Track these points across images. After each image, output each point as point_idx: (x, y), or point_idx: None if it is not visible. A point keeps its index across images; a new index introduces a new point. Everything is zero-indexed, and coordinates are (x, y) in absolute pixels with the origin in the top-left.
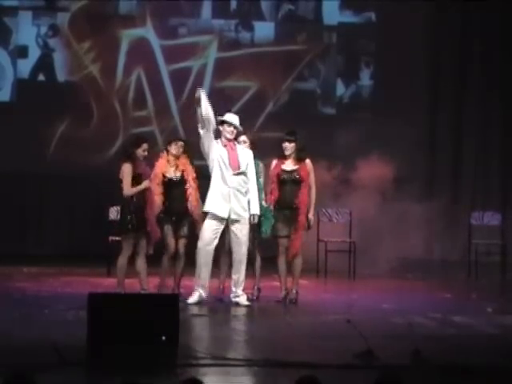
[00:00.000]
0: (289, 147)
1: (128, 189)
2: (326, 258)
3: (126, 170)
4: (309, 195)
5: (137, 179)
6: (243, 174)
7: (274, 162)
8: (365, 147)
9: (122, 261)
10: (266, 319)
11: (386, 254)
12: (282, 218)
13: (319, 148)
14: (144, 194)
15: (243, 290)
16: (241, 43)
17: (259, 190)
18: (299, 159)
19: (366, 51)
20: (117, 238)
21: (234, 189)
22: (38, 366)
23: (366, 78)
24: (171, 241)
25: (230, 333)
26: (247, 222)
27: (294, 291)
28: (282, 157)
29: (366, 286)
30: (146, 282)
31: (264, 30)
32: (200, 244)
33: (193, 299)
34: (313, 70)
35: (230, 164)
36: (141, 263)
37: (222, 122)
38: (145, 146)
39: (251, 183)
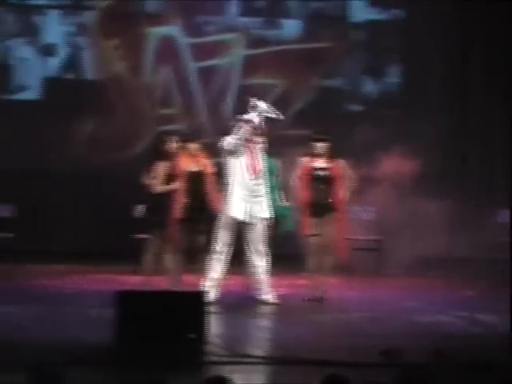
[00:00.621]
0: (322, 146)
1: (151, 183)
2: (351, 255)
3: (157, 168)
4: (344, 194)
5: (170, 178)
6: (261, 177)
7: (303, 160)
8: (391, 144)
9: (148, 258)
10: (291, 317)
11: (409, 252)
12: (314, 216)
13: (345, 145)
14: (171, 194)
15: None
16: (268, 41)
17: (275, 188)
18: (332, 157)
19: (392, 48)
20: (143, 236)
21: (251, 193)
22: (65, 364)
23: (392, 75)
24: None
25: (254, 330)
26: (265, 221)
27: (322, 289)
28: (312, 155)
29: (390, 284)
30: (173, 280)
31: (291, 27)
32: (215, 247)
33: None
34: (340, 67)
35: (248, 169)
36: (167, 260)
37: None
38: (173, 139)
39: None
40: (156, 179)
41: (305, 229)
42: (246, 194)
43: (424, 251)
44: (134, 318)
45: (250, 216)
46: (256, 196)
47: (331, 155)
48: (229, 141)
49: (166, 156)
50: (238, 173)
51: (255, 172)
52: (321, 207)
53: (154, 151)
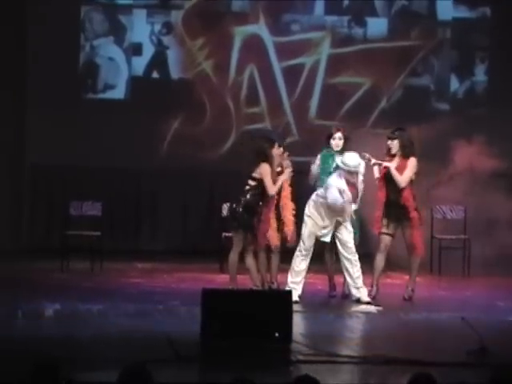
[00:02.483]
0: (392, 145)
1: (271, 186)
2: (439, 255)
3: (266, 170)
4: (411, 192)
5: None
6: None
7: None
8: (479, 143)
9: (233, 257)
10: (380, 316)
11: (498, 251)
12: (389, 215)
13: (433, 144)
14: (264, 195)
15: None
16: (354, 39)
17: None
18: (403, 156)
19: (480, 46)
20: (229, 234)
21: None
22: (154, 361)
23: (480, 74)
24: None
25: (342, 330)
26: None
27: (410, 289)
28: (390, 155)
29: (481, 283)
30: (256, 279)
31: (377, 25)
32: (301, 245)
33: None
34: (426, 65)
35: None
36: (249, 260)
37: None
38: (277, 144)
39: None
40: (267, 181)
41: (377, 226)
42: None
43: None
44: (220, 317)
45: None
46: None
47: (405, 154)
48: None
49: (271, 159)
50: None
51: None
52: (394, 207)
53: (260, 154)
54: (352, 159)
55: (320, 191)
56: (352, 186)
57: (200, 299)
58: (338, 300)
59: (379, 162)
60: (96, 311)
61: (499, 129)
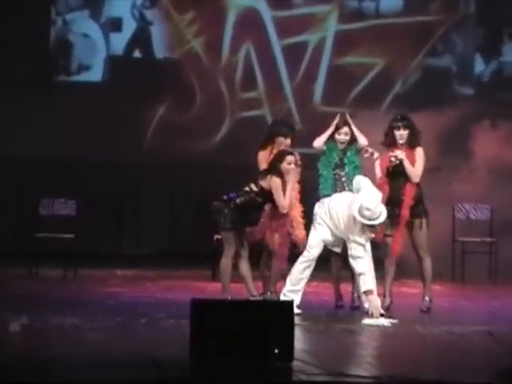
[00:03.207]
0: (404, 135)
1: (283, 204)
2: (462, 260)
3: (277, 184)
4: (416, 188)
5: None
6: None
7: (383, 152)
8: (507, 132)
9: (224, 262)
10: (394, 330)
11: None
12: (389, 215)
13: (455, 133)
14: (265, 202)
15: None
16: (364, 14)
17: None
18: (411, 147)
19: (509, 22)
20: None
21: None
22: (137, 383)
23: (509, 54)
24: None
25: (351, 345)
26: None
27: (428, 298)
28: (396, 146)
29: (509, 292)
30: (253, 287)
31: None
32: (305, 255)
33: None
34: (448, 44)
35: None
36: (244, 266)
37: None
38: (289, 158)
39: None
40: (278, 197)
41: (382, 229)
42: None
43: None
44: (212, 331)
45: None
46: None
47: (412, 144)
48: None
49: (281, 172)
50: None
51: None
52: (397, 205)
53: (270, 168)
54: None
55: (337, 196)
56: None
57: (189, 311)
58: (346, 311)
59: (393, 154)
60: (69, 325)
61: None
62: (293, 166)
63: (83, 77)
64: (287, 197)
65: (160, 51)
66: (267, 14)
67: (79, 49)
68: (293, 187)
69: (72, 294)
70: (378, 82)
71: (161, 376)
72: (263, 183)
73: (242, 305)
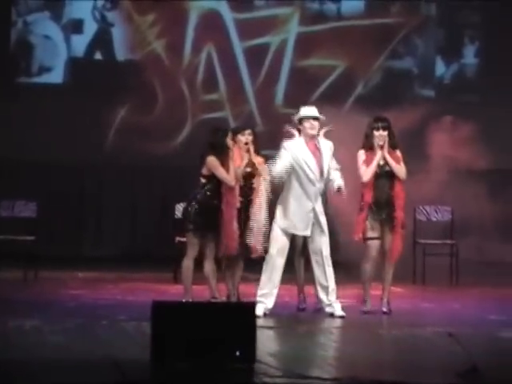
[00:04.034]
0: (383, 136)
1: (227, 177)
2: (423, 262)
3: (213, 162)
4: (403, 189)
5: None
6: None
7: (362, 155)
8: (468, 135)
9: (187, 263)
10: (355, 332)
11: (492, 258)
12: (373, 217)
13: (416, 135)
14: (219, 192)
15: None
16: (326, 16)
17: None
18: (392, 148)
19: (470, 24)
20: (183, 239)
21: (316, 205)
22: None
23: (470, 56)
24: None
25: (312, 347)
26: (325, 226)
27: (386, 300)
28: (371, 147)
29: (470, 294)
30: (216, 289)
31: (352, 0)
32: (270, 253)
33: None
34: (409, 46)
35: (313, 171)
36: (209, 267)
37: (300, 120)
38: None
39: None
40: (219, 173)
41: (364, 232)
42: (312, 206)
43: (508, 257)
44: (173, 334)
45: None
46: (320, 207)
47: (392, 145)
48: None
49: (221, 151)
50: (298, 178)
51: (320, 174)
52: (386, 208)
53: (209, 146)
54: None
55: None
56: None
57: (150, 313)
58: (309, 314)
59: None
60: (29, 328)
61: (491, 118)
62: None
63: (44, 78)
64: (231, 170)
65: (121, 53)
66: (229, 16)
67: (40, 50)
68: (258, 192)
69: (33, 296)
70: (339, 83)
71: (122, 378)
72: (204, 171)
73: (204, 307)
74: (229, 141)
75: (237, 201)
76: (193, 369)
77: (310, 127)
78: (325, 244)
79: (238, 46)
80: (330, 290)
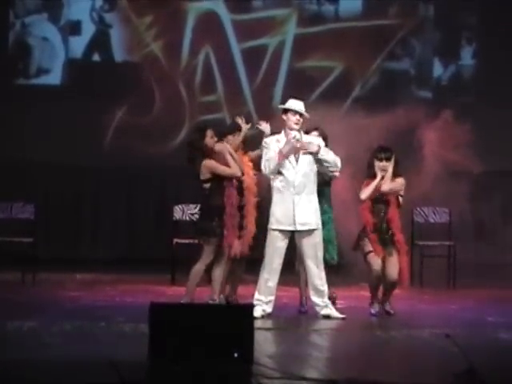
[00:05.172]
0: (386, 167)
1: (231, 172)
2: (421, 263)
3: (211, 164)
4: (398, 213)
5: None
6: (309, 171)
7: (366, 183)
8: (466, 136)
9: (198, 268)
10: (353, 334)
11: (490, 260)
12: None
13: (414, 137)
14: (223, 194)
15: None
16: (324, 17)
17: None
18: (394, 176)
19: (467, 25)
20: (182, 241)
21: (298, 194)
22: None
23: (467, 57)
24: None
25: (310, 349)
26: (319, 226)
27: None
28: (373, 177)
29: (468, 295)
30: (217, 293)
31: (350, 2)
32: (266, 256)
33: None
34: (406, 47)
35: (290, 161)
36: (218, 272)
37: (285, 111)
38: (209, 132)
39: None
40: (222, 169)
41: (363, 247)
42: (293, 196)
43: (508, 259)
44: (171, 335)
45: (300, 224)
46: (306, 195)
47: (395, 173)
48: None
49: (205, 151)
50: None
51: (303, 164)
52: (381, 231)
53: (191, 146)
54: None
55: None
56: None
57: (148, 315)
58: (307, 316)
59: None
60: (27, 330)
61: (489, 119)
62: (215, 138)
63: (42, 80)
64: (231, 161)
65: (119, 54)
66: (226, 18)
67: (38, 52)
68: (249, 189)
69: (31, 298)
70: (337, 85)
71: (119, 379)
72: (202, 176)
73: (202, 309)
74: (208, 140)
75: (236, 200)
76: (190, 370)
77: (295, 122)
78: (319, 245)
79: (236, 48)
80: (324, 292)
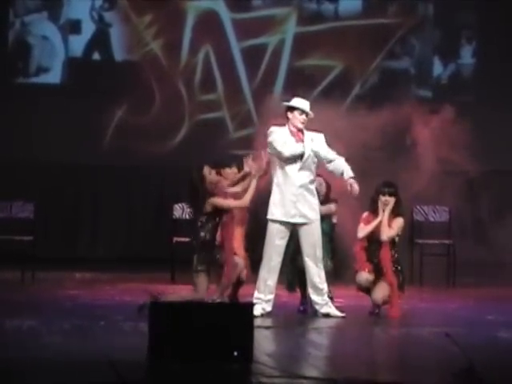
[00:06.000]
0: (389, 201)
1: (241, 203)
2: (421, 262)
3: (218, 201)
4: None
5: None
6: (311, 167)
7: (365, 217)
8: (466, 135)
9: (198, 296)
10: (352, 332)
11: (490, 258)
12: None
13: (413, 136)
14: (221, 226)
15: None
16: (323, 16)
17: (327, 235)
18: (394, 215)
19: (467, 24)
20: (180, 239)
21: (301, 187)
22: None
23: (467, 56)
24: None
25: (310, 348)
26: (318, 222)
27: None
28: (375, 211)
29: (467, 294)
30: (220, 295)
31: (350, 1)
32: (265, 254)
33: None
34: (406, 46)
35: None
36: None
37: (291, 109)
38: (206, 170)
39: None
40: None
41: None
42: (296, 189)
43: (508, 257)
44: (170, 334)
45: (301, 216)
46: (308, 190)
47: (395, 212)
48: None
49: (208, 191)
50: (282, 164)
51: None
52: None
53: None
54: None
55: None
56: None
57: (147, 313)
58: (306, 314)
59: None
60: (26, 329)
61: (488, 118)
62: (213, 171)
63: (42, 79)
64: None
65: (119, 53)
66: (226, 16)
67: (38, 51)
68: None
69: (30, 297)
70: (337, 84)
71: (119, 379)
72: (205, 209)
73: (201, 307)
74: (208, 176)
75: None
76: (190, 369)
77: (301, 121)
78: (318, 243)
79: (236, 46)
80: (323, 290)
